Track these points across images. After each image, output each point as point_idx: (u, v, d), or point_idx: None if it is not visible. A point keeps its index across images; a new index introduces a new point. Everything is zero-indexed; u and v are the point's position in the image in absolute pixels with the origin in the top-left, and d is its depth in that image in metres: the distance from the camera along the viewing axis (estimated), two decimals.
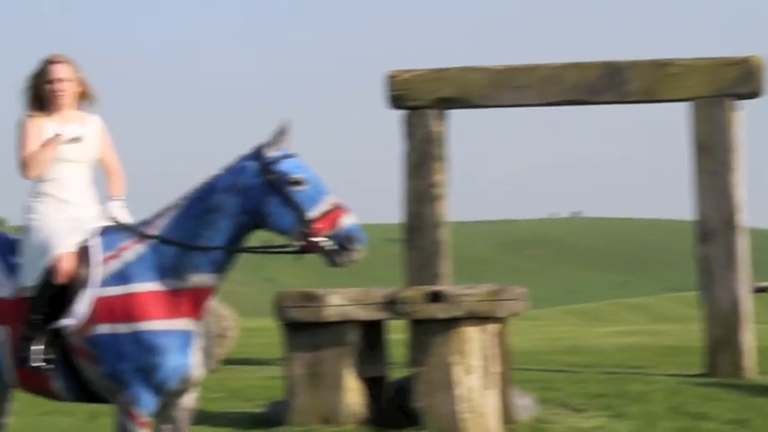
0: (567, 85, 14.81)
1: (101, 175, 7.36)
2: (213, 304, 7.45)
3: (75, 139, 7.03)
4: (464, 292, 10.52)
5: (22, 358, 6.71)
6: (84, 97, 7.25)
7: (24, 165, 6.99)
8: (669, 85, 14.50)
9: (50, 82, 7.09)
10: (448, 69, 15.23)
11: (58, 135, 6.98)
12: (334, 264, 6.70)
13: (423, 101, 14.97)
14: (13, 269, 6.93)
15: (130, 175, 7.53)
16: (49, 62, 7.08)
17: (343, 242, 6.57)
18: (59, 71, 7.06)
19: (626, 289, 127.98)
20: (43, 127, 7.03)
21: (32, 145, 6.99)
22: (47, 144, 6.96)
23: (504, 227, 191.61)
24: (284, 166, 6.63)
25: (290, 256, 6.91)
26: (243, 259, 7.16)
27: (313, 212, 6.57)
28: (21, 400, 7.70)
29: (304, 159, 6.78)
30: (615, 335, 23.33)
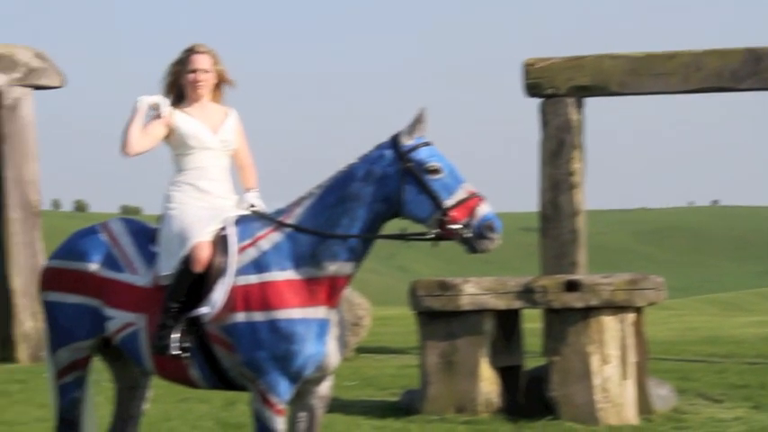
0: (708, 73, 14.65)
1: (234, 167, 7.47)
2: (347, 293, 7.46)
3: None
4: (601, 281, 10.44)
5: (159, 346, 6.82)
6: (222, 89, 7.37)
7: (125, 142, 7.11)
8: None
9: (191, 72, 7.20)
10: (585, 57, 15.20)
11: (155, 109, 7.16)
12: (472, 251, 6.67)
13: (559, 89, 14.96)
14: (151, 258, 7.05)
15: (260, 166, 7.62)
16: (192, 52, 7.17)
17: (481, 230, 6.55)
18: (201, 62, 7.15)
19: (765, 279, 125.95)
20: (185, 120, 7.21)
21: (138, 125, 7.10)
22: (148, 121, 7.10)
23: (641, 215, 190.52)
24: (421, 154, 6.62)
25: (426, 243, 6.90)
26: (376, 248, 7.18)
27: (450, 201, 6.56)
28: (158, 387, 7.84)
29: (440, 148, 6.79)
30: (755, 325, 22.97)
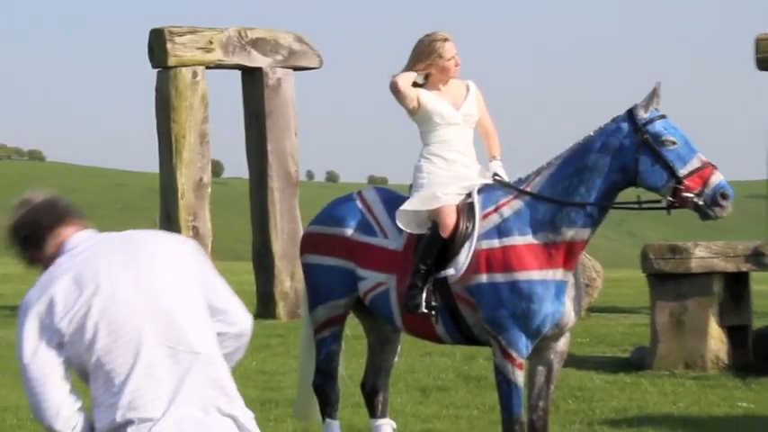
0: None
1: (478, 137, 7.50)
2: (581, 256, 7.49)
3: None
4: None
5: (410, 305, 6.93)
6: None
7: (395, 81, 7.18)
8: None
9: (448, 59, 7.28)
10: None
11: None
12: (705, 218, 6.67)
13: None
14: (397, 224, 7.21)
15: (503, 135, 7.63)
16: (445, 40, 7.26)
17: (714, 198, 6.53)
18: (454, 49, 7.25)
19: None
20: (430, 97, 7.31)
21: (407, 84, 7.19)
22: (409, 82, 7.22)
23: None
24: (657, 126, 6.62)
25: (657, 210, 6.92)
26: (606, 214, 7.25)
27: (684, 170, 6.54)
28: (403, 342, 8.05)
29: (673, 120, 6.76)
30: None
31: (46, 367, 3.96)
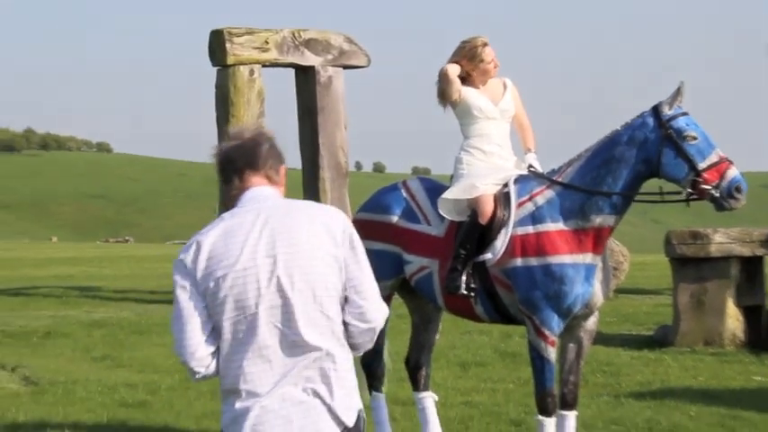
0: None
1: (514, 130, 7.46)
2: (609, 242, 7.52)
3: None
4: None
5: (451, 287, 6.93)
6: None
7: (444, 68, 7.18)
8: None
9: (488, 63, 7.25)
10: None
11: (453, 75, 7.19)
12: (720, 209, 6.59)
13: None
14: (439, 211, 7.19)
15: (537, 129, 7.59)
16: (485, 45, 7.21)
17: (729, 191, 6.48)
18: (492, 53, 7.24)
19: None
20: (473, 94, 7.28)
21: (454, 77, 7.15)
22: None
23: None
24: (679, 122, 6.56)
25: (685, 203, 6.83)
26: (632, 204, 7.19)
27: (703, 164, 6.48)
28: (444, 321, 7.99)
29: (695, 116, 6.70)
30: None
31: (189, 308, 3.94)
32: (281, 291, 3.88)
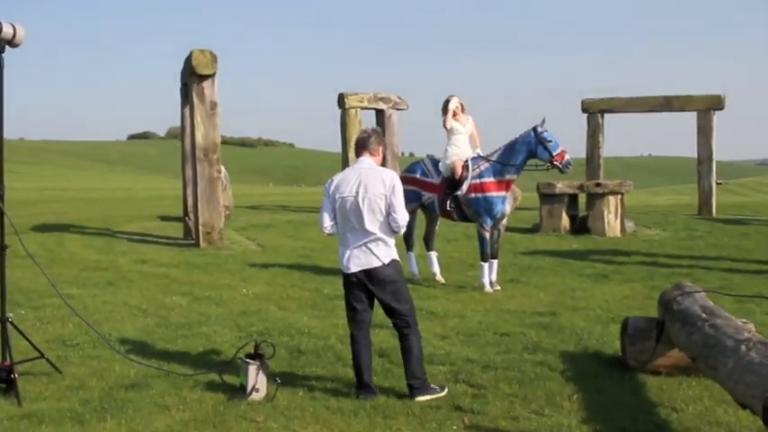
0: None
1: (471, 139, 8.27)
2: (513, 186, 8.24)
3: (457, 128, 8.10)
4: None
5: (444, 207, 8.11)
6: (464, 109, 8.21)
7: (446, 106, 8.14)
8: None
9: (460, 110, 8.13)
10: None
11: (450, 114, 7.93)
12: (561, 173, 7.88)
13: None
14: (438, 172, 8.31)
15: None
16: (455, 101, 8.23)
17: (566, 165, 7.83)
18: (456, 102, 8.28)
19: None
20: (455, 124, 8.20)
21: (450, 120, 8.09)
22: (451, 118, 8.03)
23: None
24: (544, 134, 7.81)
25: (546, 170, 7.94)
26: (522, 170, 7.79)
27: (555, 152, 7.82)
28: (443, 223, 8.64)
29: (553, 132, 7.80)
30: None
31: (326, 204, 4.50)
32: (359, 206, 4.34)
